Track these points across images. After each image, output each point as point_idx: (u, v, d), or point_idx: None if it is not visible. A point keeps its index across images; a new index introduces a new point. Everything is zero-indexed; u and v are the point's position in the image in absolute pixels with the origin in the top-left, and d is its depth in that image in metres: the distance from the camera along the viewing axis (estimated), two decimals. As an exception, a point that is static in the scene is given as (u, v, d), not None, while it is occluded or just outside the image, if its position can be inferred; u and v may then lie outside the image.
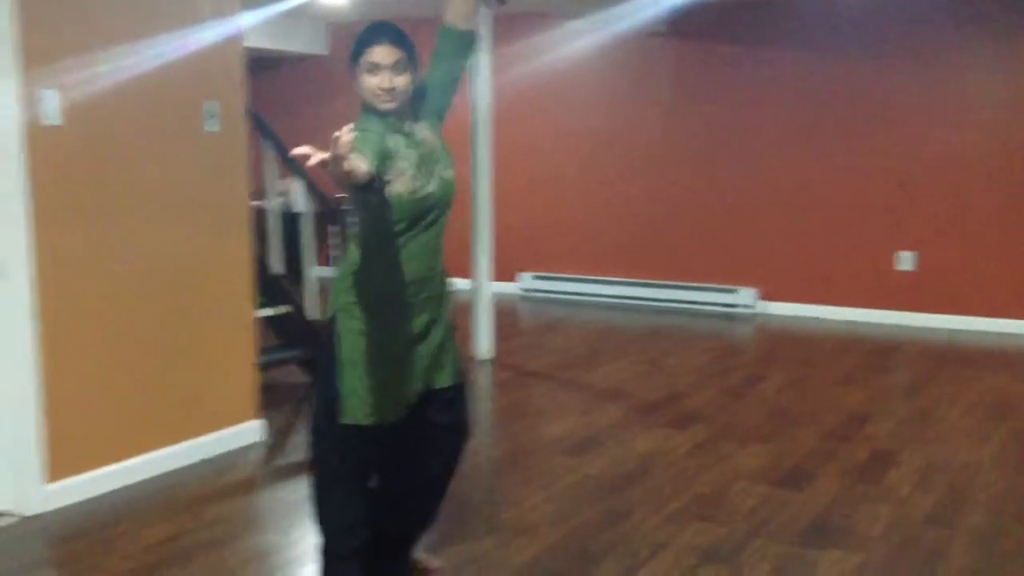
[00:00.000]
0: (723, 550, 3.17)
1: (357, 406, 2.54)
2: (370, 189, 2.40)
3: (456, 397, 2.73)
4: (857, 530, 3.34)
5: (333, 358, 2.57)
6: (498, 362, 5.85)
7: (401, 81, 2.57)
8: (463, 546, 3.21)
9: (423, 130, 2.65)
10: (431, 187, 2.57)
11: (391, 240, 2.55)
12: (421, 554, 2.97)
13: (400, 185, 2.50)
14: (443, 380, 2.68)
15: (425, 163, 2.57)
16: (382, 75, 2.55)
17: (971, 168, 6.70)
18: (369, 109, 2.57)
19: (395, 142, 2.52)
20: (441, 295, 2.69)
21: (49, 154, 3.42)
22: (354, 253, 2.58)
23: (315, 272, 5.37)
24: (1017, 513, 3.50)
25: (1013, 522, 3.41)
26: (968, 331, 6.69)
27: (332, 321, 2.59)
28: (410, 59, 2.63)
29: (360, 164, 2.27)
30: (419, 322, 2.62)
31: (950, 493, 3.69)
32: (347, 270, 2.59)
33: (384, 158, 2.45)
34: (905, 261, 6.95)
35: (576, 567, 3.06)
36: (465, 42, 2.78)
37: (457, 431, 2.76)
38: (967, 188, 6.73)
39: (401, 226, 2.55)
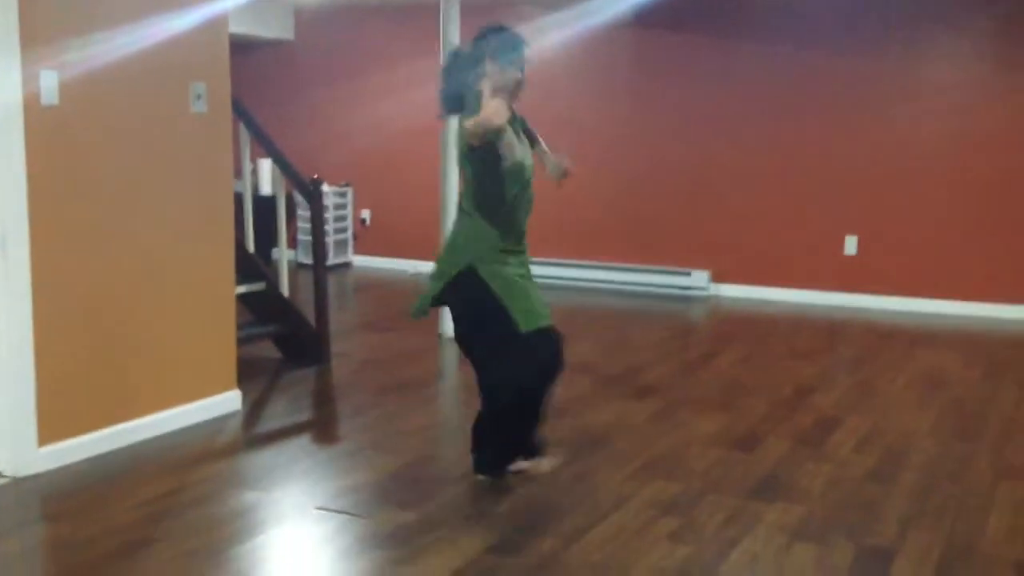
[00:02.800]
0: (680, 504, 3.44)
1: (535, 315, 3.39)
2: (493, 149, 3.27)
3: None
4: (800, 486, 3.63)
5: (492, 295, 3.36)
6: (465, 339, 6.08)
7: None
8: (442, 500, 3.44)
9: (518, 123, 3.53)
10: (528, 160, 3.47)
11: (510, 201, 3.42)
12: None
13: (518, 154, 3.38)
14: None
15: (522, 143, 3.47)
16: (523, 73, 3.42)
17: (914, 157, 7.05)
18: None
19: (513, 128, 3.41)
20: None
21: (47, 133, 3.57)
22: (472, 217, 3.42)
23: (285, 252, 5.54)
24: (949, 472, 3.81)
25: (945, 481, 3.72)
26: (909, 312, 7.05)
27: (470, 270, 3.39)
28: None
29: (503, 111, 3.16)
30: (527, 263, 3.58)
31: (888, 455, 4.00)
32: (472, 230, 3.43)
33: (513, 142, 3.36)
34: (850, 245, 7.30)
35: (548, 518, 3.31)
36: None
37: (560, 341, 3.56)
38: (909, 176, 7.08)
39: (515, 190, 3.41)
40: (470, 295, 3.43)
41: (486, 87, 3.32)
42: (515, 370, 3.45)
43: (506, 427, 3.57)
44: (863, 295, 7.28)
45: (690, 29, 7.58)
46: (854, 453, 4.02)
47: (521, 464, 3.62)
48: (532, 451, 3.66)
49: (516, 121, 3.51)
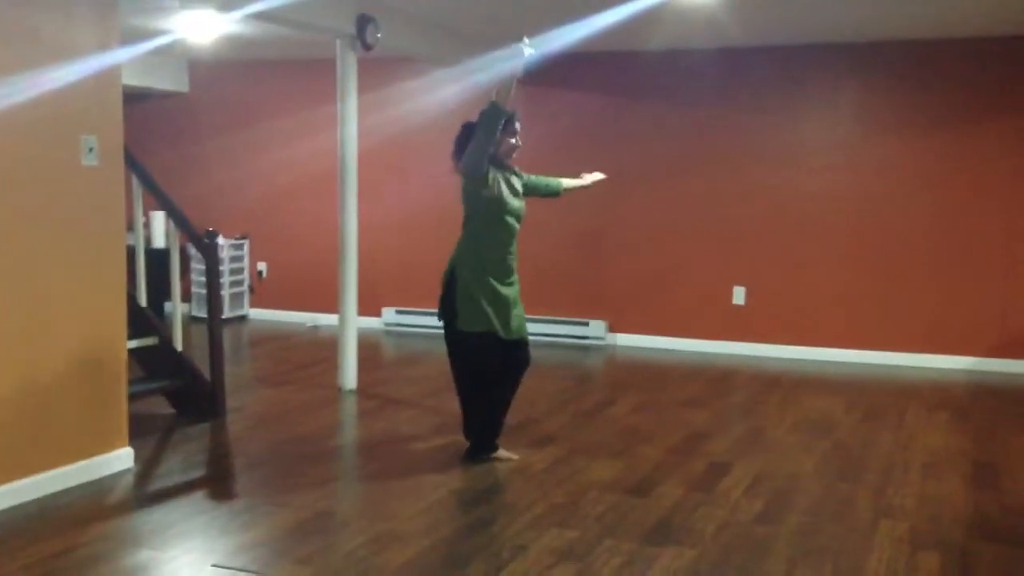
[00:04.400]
0: (577, 550, 3.50)
1: (476, 321, 4.39)
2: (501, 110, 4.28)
3: (524, 343, 4.62)
4: (693, 529, 3.74)
5: (454, 294, 4.43)
6: (363, 392, 6.07)
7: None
8: (340, 554, 3.43)
9: (517, 178, 4.63)
10: (513, 203, 4.49)
11: (500, 225, 4.44)
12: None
13: (503, 192, 4.44)
14: (521, 333, 4.56)
15: (515, 192, 4.54)
16: (517, 140, 4.54)
17: (797, 212, 7.39)
18: (496, 161, 4.47)
19: (506, 177, 4.52)
20: (514, 269, 4.55)
21: (-71, 184, 3.49)
22: (464, 235, 4.48)
23: (179, 305, 5.46)
24: (833, 513, 3.97)
25: (829, 522, 3.88)
26: (794, 359, 7.33)
27: (453, 273, 4.45)
28: None
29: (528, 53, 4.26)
30: (511, 281, 4.52)
31: (775, 498, 4.15)
32: (461, 244, 4.48)
33: (494, 183, 4.42)
34: (739, 295, 7.58)
35: (446, 569, 3.33)
36: (553, 193, 4.93)
37: (522, 363, 4.64)
38: (792, 230, 7.42)
39: (490, 218, 4.41)
40: (447, 292, 4.47)
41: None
42: (454, 361, 4.56)
43: (472, 414, 4.61)
44: (751, 343, 7.55)
45: (581, 87, 7.82)
46: (744, 497, 4.15)
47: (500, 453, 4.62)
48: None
49: (512, 173, 4.58)
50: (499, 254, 4.47)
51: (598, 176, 5.06)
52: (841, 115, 7.29)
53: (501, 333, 4.43)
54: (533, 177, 4.74)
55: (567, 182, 4.96)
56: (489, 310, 4.40)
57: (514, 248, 4.53)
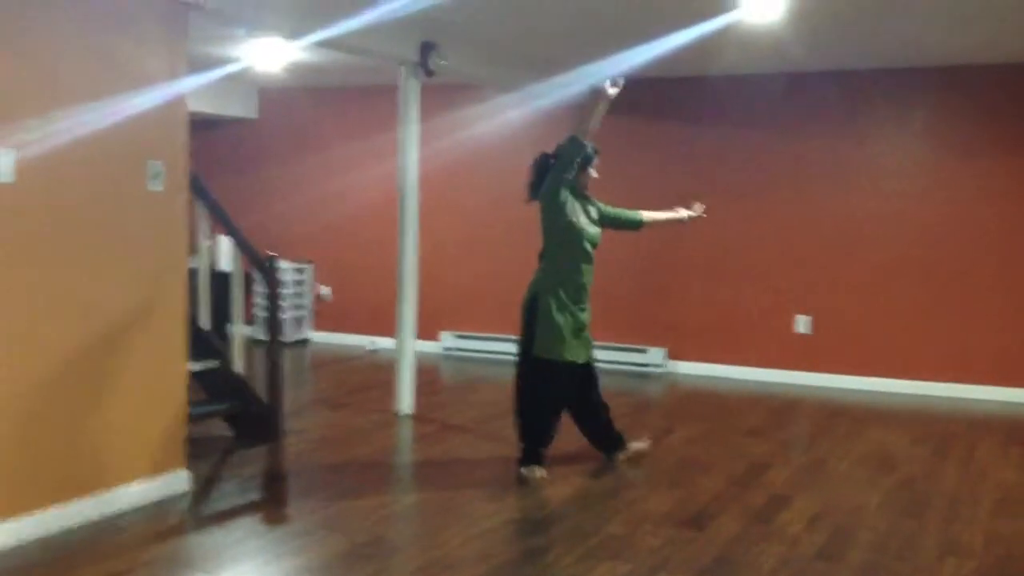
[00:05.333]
0: (630, 583, 3.44)
1: (552, 348, 4.57)
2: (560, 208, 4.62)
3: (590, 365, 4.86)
4: (752, 565, 3.64)
5: (534, 320, 4.62)
6: (420, 417, 6.07)
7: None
8: (389, 582, 3.41)
9: (594, 207, 4.82)
10: (590, 229, 4.71)
11: (578, 251, 4.68)
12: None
13: (580, 220, 4.66)
14: (588, 356, 4.78)
15: (592, 220, 4.75)
16: (595, 174, 4.77)
17: (865, 238, 7.24)
18: (575, 190, 4.68)
19: (583, 205, 4.75)
20: (589, 295, 4.76)
21: (1, 211, 3.58)
22: (545, 262, 4.70)
23: (241, 329, 5.52)
24: (897, 551, 3.84)
25: (893, 559, 3.75)
26: (859, 390, 7.15)
27: (534, 298, 4.63)
28: None
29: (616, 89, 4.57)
30: (586, 307, 4.73)
31: (837, 533, 4.03)
32: (542, 271, 4.68)
33: (572, 211, 4.65)
34: (802, 324, 7.43)
35: (495, 599, 3.29)
36: (631, 226, 5.10)
37: (596, 378, 4.92)
38: (860, 256, 7.26)
39: (568, 244, 4.64)
40: (527, 316, 4.64)
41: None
42: (528, 387, 4.69)
43: (530, 428, 4.71)
44: (815, 373, 7.38)
45: (645, 112, 7.77)
46: (804, 531, 4.04)
47: (535, 471, 4.69)
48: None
49: (589, 202, 4.79)
50: (577, 279, 4.67)
51: (697, 211, 5.18)
52: (908, 140, 7.13)
53: (578, 360, 4.65)
54: (610, 209, 4.90)
55: (648, 215, 5.07)
56: (567, 336, 4.60)
57: (590, 274, 4.73)
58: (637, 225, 5.05)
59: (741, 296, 7.60)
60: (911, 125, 7.12)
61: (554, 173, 4.59)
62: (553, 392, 4.68)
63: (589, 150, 4.64)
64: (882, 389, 7.15)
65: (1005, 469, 5.12)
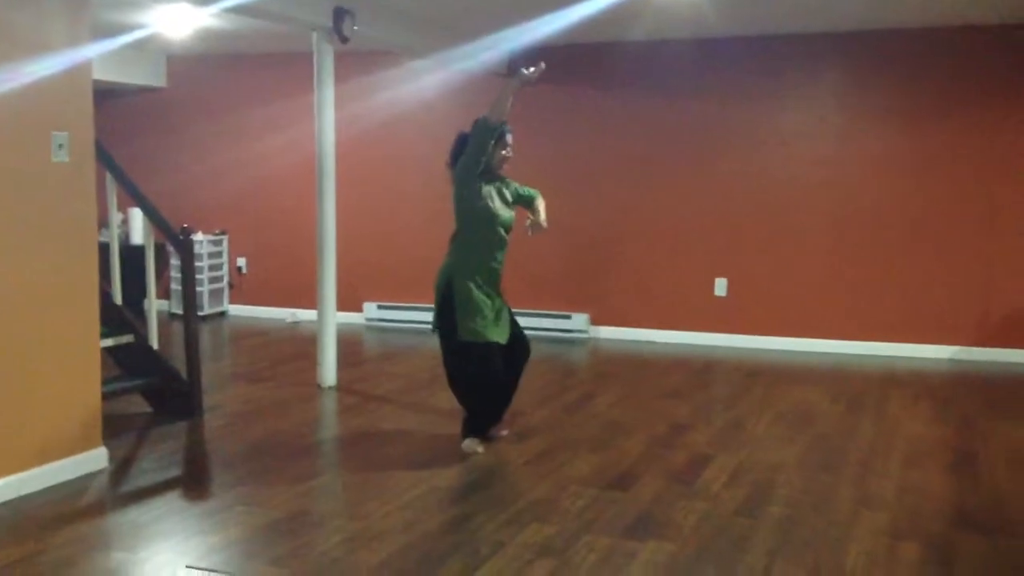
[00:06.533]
0: (555, 545, 3.47)
1: (475, 331, 4.48)
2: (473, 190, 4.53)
3: (520, 340, 4.76)
4: (673, 522, 3.71)
5: (452, 304, 4.50)
6: (343, 389, 6.02)
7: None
8: (315, 554, 3.38)
9: (508, 189, 4.71)
10: (504, 213, 4.61)
11: (492, 235, 4.56)
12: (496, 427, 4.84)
13: (494, 203, 4.56)
14: (506, 336, 4.63)
15: (506, 203, 4.66)
16: (508, 151, 4.63)
17: (779, 201, 7.37)
18: (484, 173, 4.55)
19: (498, 188, 4.64)
20: (500, 279, 4.67)
21: None
22: (456, 244, 4.58)
23: (156, 303, 5.39)
24: (814, 505, 3.95)
25: (810, 513, 3.85)
26: (776, 350, 7.32)
27: (449, 282, 4.51)
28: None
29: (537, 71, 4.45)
30: (500, 290, 4.64)
31: (756, 490, 4.12)
32: (454, 253, 4.57)
33: (487, 195, 4.55)
34: (720, 287, 7.56)
35: (423, 567, 3.29)
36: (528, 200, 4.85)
37: (524, 353, 4.82)
38: (774, 220, 7.40)
39: (480, 226, 4.53)
40: (445, 303, 4.54)
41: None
42: (457, 372, 4.64)
43: (470, 408, 4.68)
44: (733, 335, 7.53)
45: (562, 79, 7.76)
46: (725, 489, 4.13)
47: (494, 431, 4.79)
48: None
49: (503, 184, 4.69)
50: (491, 265, 4.59)
51: (541, 219, 4.76)
52: (820, 105, 7.27)
53: (501, 340, 4.56)
54: (521, 188, 4.80)
55: (540, 201, 4.85)
56: (489, 318, 4.52)
57: (503, 258, 4.65)
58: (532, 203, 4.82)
59: (661, 261, 7.70)
60: (822, 90, 7.26)
61: (467, 157, 4.49)
62: (487, 373, 4.54)
63: (501, 129, 4.55)
64: (797, 349, 7.34)
65: (915, 423, 5.30)
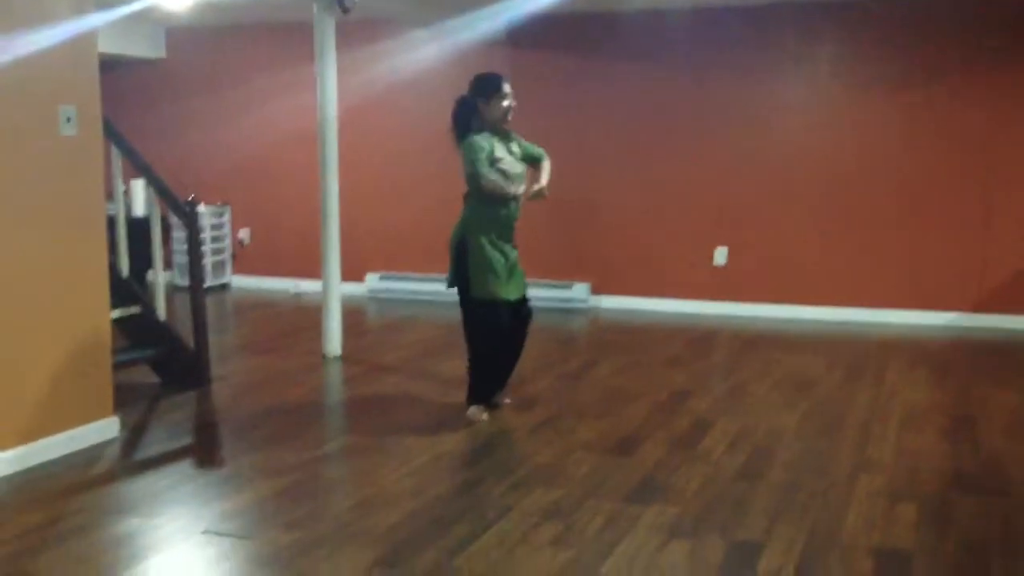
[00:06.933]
0: (562, 509, 3.55)
1: (488, 289, 4.56)
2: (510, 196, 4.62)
3: (525, 302, 4.83)
4: (676, 487, 3.80)
5: (466, 263, 4.57)
6: (348, 359, 6.09)
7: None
8: (328, 517, 3.47)
9: (516, 144, 4.72)
10: (516, 169, 4.64)
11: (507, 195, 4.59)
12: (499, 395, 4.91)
13: (505, 164, 4.57)
14: (522, 292, 4.77)
15: (515, 158, 4.67)
16: (509, 101, 4.59)
17: (777, 170, 7.42)
18: (485, 128, 4.58)
19: (505, 144, 4.63)
20: (514, 229, 4.72)
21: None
22: (470, 204, 4.61)
23: (162, 274, 5.45)
24: (813, 468, 4.04)
25: (810, 476, 3.94)
26: (776, 318, 7.40)
27: (463, 241, 4.58)
28: None
29: (497, 184, 4.54)
30: (515, 244, 4.71)
31: (757, 454, 4.21)
32: (469, 212, 4.61)
33: (493, 160, 4.54)
34: (720, 256, 7.62)
35: (433, 530, 3.37)
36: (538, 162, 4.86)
37: (528, 317, 4.87)
38: (773, 188, 7.44)
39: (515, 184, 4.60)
40: (459, 261, 4.60)
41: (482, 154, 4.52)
42: (470, 328, 4.69)
43: (476, 369, 4.74)
44: (734, 303, 7.60)
45: (561, 48, 7.78)
46: (725, 454, 4.21)
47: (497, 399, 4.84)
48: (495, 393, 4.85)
49: (511, 139, 4.69)
50: (506, 217, 4.64)
51: (544, 185, 4.74)
52: (817, 73, 7.29)
53: (511, 298, 4.63)
54: (529, 146, 4.79)
55: (546, 162, 4.85)
56: (503, 276, 4.59)
57: (518, 209, 4.70)
58: (477, 179, 4.58)
59: (661, 231, 7.75)
60: (818, 59, 7.28)
61: (471, 171, 4.50)
62: (495, 331, 4.63)
63: (495, 81, 4.56)
64: (796, 316, 7.41)
65: (912, 389, 5.39)
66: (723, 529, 3.39)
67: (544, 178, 4.76)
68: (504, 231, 4.65)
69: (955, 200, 7.06)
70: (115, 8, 6.31)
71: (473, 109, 4.60)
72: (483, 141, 4.52)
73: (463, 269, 4.61)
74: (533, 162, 4.81)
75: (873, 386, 5.42)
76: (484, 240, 4.57)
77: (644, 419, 4.74)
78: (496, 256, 4.58)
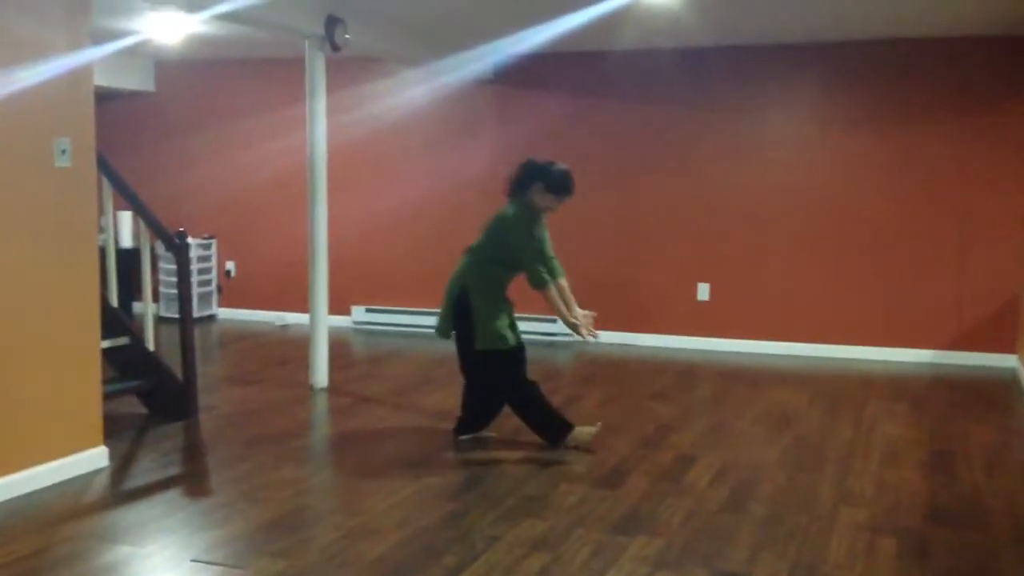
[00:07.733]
0: (548, 540, 3.60)
1: (510, 337, 4.77)
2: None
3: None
4: (661, 519, 3.85)
5: (486, 319, 4.73)
6: (335, 390, 6.13)
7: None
8: (316, 547, 3.50)
9: (542, 230, 4.93)
10: (546, 245, 4.94)
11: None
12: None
13: (542, 245, 4.88)
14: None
15: (544, 234, 4.94)
16: (556, 206, 4.82)
17: (759, 208, 7.54)
18: (528, 205, 4.77)
19: (539, 227, 4.88)
20: None
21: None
22: (491, 264, 4.76)
23: (151, 305, 5.48)
24: (795, 502, 4.10)
25: (792, 510, 4.00)
26: (757, 353, 7.49)
27: (467, 298, 4.71)
28: None
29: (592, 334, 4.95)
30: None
31: (740, 488, 4.27)
32: (487, 269, 4.76)
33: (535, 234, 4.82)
34: (703, 291, 7.72)
35: (420, 561, 3.41)
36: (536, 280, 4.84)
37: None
38: (755, 226, 7.56)
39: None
40: (462, 316, 4.74)
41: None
42: (500, 381, 4.84)
43: (535, 409, 4.85)
44: (716, 338, 7.69)
45: (547, 87, 7.91)
46: (710, 487, 4.27)
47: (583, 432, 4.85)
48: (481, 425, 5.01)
49: (541, 225, 4.87)
50: (509, 279, 4.88)
51: (586, 334, 4.91)
52: (798, 114, 7.45)
53: (521, 342, 4.88)
54: (549, 247, 4.97)
55: (564, 282, 4.96)
56: (507, 324, 4.79)
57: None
58: (540, 284, 4.74)
59: (645, 267, 7.84)
60: (800, 100, 7.43)
61: (519, 246, 4.69)
62: (520, 370, 4.85)
63: (570, 187, 4.77)
64: (777, 352, 7.50)
65: (891, 424, 5.47)
66: (707, 561, 3.44)
67: (575, 308, 4.93)
68: (505, 287, 4.87)
69: (932, 240, 7.19)
70: (111, 43, 6.42)
71: (535, 181, 4.74)
72: (531, 226, 4.77)
73: (468, 325, 4.74)
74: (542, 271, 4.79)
75: (853, 421, 5.50)
76: (492, 297, 4.77)
77: (629, 452, 4.79)
78: (504, 309, 4.80)
